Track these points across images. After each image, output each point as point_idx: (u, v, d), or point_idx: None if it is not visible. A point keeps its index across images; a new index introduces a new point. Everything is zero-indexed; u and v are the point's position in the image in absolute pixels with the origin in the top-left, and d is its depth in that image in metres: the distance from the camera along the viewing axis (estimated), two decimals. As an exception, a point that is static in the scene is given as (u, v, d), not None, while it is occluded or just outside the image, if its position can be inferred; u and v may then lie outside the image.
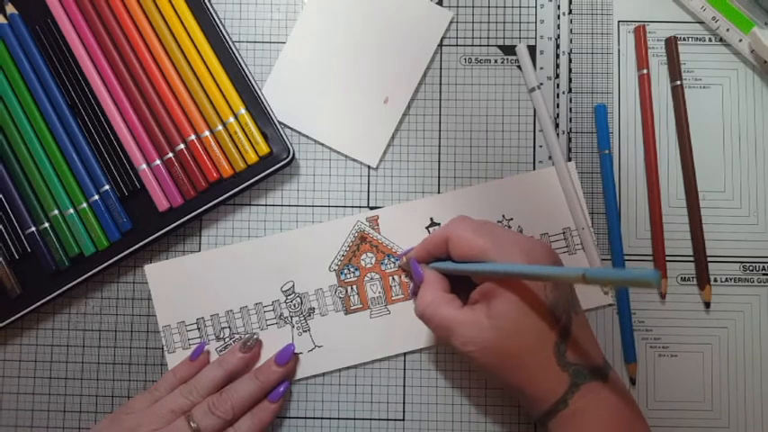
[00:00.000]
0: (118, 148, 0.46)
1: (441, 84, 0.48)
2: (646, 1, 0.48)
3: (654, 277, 0.27)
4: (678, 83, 0.47)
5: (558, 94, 0.48)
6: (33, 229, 0.46)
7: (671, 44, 0.47)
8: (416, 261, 0.43)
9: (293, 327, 0.46)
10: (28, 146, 0.46)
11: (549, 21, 0.48)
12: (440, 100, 0.48)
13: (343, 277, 0.46)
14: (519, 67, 0.48)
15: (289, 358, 0.44)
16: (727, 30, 0.47)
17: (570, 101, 0.48)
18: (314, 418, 0.46)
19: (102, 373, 0.47)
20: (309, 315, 0.46)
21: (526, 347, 0.36)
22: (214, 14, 0.46)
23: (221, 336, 0.46)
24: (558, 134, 0.47)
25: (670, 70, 0.47)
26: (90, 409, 0.47)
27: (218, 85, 0.46)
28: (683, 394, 0.45)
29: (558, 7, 0.48)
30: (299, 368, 0.46)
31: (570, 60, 0.48)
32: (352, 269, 0.47)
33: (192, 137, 0.46)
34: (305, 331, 0.46)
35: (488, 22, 0.48)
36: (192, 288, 0.47)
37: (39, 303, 0.45)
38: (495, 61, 0.48)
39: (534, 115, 0.48)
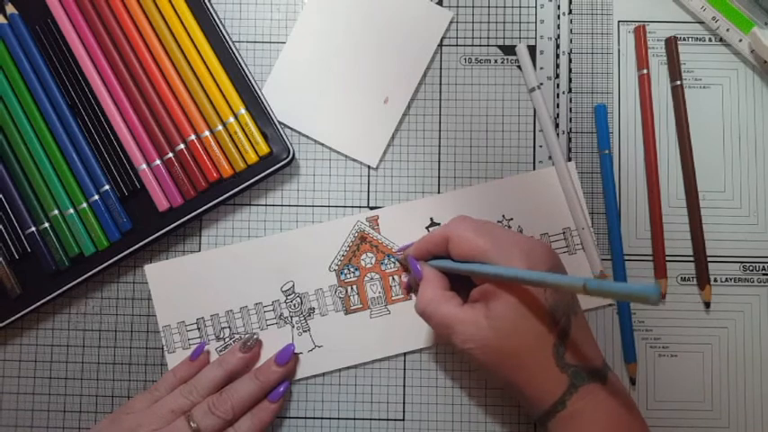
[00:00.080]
0: (118, 148, 0.46)
1: (441, 84, 0.48)
2: (646, 1, 0.48)
3: (653, 293, 0.28)
4: (678, 83, 0.47)
5: (558, 94, 0.48)
6: (33, 229, 0.46)
7: (671, 44, 0.47)
8: (414, 259, 0.43)
9: (293, 327, 0.46)
10: (28, 146, 0.46)
11: (549, 21, 0.48)
12: (440, 100, 0.48)
13: (343, 277, 0.46)
14: (519, 67, 0.48)
15: (289, 358, 0.44)
16: (727, 30, 0.47)
17: (570, 101, 0.48)
18: (314, 418, 0.46)
19: (102, 373, 0.47)
20: (309, 315, 0.46)
21: (525, 348, 0.36)
22: (214, 14, 0.46)
23: (221, 336, 0.46)
24: (558, 134, 0.47)
25: (670, 70, 0.47)
26: (90, 409, 0.47)
27: (218, 85, 0.46)
28: (683, 394, 0.45)
29: (558, 7, 0.48)
30: (299, 368, 0.46)
31: (570, 60, 0.48)
32: (352, 269, 0.47)
33: (192, 137, 0.46)
34: (305, 331, 0.46)
35: (488, 22, 0.48)
36: (192, 288, 0.47)
37: (39, 303, 0.45)
38: (495, 61, 0.48)
39: (534, 115, 0.48)
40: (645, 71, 0.47)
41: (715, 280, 0.46)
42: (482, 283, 0.38)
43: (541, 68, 0.48)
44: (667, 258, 0.46)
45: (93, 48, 0.46)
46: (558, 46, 0.48)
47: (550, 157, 0.47)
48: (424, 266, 0.42)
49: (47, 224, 0.46)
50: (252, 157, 0.45)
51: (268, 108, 0.46)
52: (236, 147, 0.46)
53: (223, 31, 0.46)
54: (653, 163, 0.46)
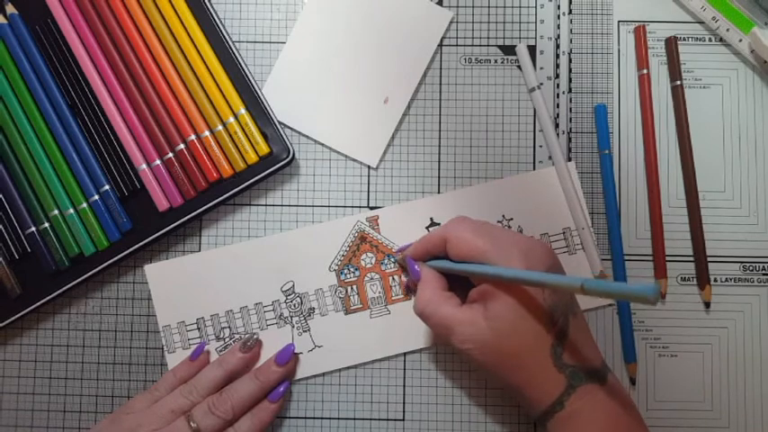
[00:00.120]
0: (118, 148, 0.46)
1: (441, 84, 0.48)
2: (646, 1, 0.48)
3: (652, 293, 0.28)
4: (678, 83, 0.47)
5: (558, 94, 0.48)
6: (33, 229, 0.46)
7: (671, 44, 0.47)
8: (413, 260, 0.43)
9: (293, 327, 0.46)
10: (28, 146, 0.46)
11: (549, 21, 0.48)
12: (440, 100, 0.48)
13: (343, 277, 0.46)
14: (519, 67, 0.48)
15: (289, 358, 0.44)
16: (727, 30, 0.47)
17: (570, 101, 0.48)
18: (314, 418, 0.46)
19: (102, 373, 0.47)
20: (309, 315, 0.46)
21: (523, 349, 0.36)
22: (214, 14, 0.46)
23: (221, 336, 0.46)
24: (558, 134, 0.47)
25: (670, 70, 0.47)
26: (90, 409, 0.47)
27: (218, 85, 0.46)
28: (683, 394, 0.45)
29: (558, 7, 0.48)
30: (299, 368, 0.46)
31: (570, 60, 0.48)
32: (352, 269, 0.47)
33: (192, 137, 0.46)
34: (305, 331, 0.46)
35: (488, 22, 0.48)
36: (192, 288, 0.47)
37: (39, 303, 0.45)
38: (495, 61, 0.48)
39: (534, 115, 0.48)
40: (645, 71, 0.47)
41: (715, 280, 0.46)
42: (480, 283, 0.38)
43: (541, 68, 0.48)
44: (667, 258, 0.46)
45: (93, 48, 0.46)
46: (558, 46, 0.48)
47: (550, 157, 0.47)
48: (422, 267, 0.42)
49: (47, 224, 0.46)
50: (252, 157, 0.45)
51: (268, 108, 0.46)
52: (236, 147, 0.46)
53: (223, 31, 0.46)
54: (653, 163, 0.46)
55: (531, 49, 0.48)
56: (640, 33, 0.47)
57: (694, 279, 0.46)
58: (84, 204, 0.46)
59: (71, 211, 0.46)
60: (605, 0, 0.48)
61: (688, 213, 0.46)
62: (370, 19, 0.48)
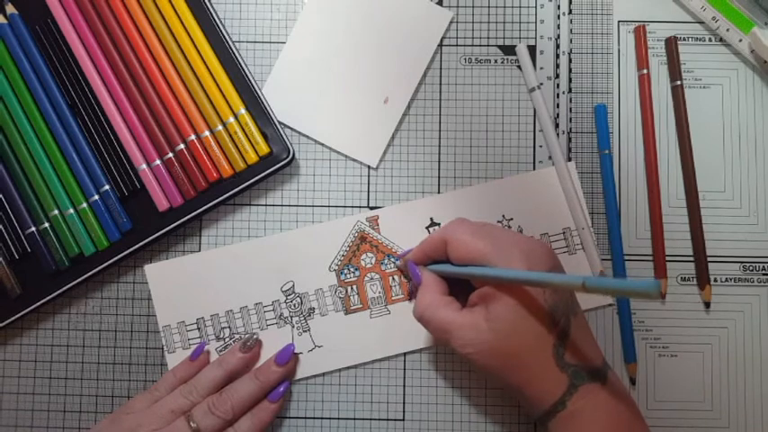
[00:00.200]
0: (118, 148, 0.46)
1: (441, 84, 0.48)
2: (646, 1, 0.48)
3: (653, 288, 0.27)
4: (678, 83, 0.47)
5: (558, 94, 0.48)
6: (33, 229, 0.46)
7: (671, 44, 0.47)
8: (414, 263, 0.43)
9: (293, 327, 0.46)
10: (28, 146, 0.46)
11: (549, 21, 0.48)
12: (440, 100, 0.48)
13: (343, 277, 0.46)
14: (519, 67, 0.48)
15: (289, 358, 0.44)
16: (727, 30, 0.47)
17: (570, 101, 0.48)
18: (314, 418, 0.46)
19: (102, 373, 0.47)
20: (309, 315, 0.46)
21: (525, 349, 0.36)
22: (214, 14, 0.46)
23: (221, 336, 0.46)
24: (558, 134, 0.47)
25: (670, 70, 0.47)
26: (90, 409, 0.47)
27: (218, 85, 0.46)
28: (683, 394, 0.45)
29: (558, 7, 0.48)
30: (299, 368, 0.46)
31: (570, 60, 0.48)
32: (352, 269, 0.47)
33: (192, 137, 0.46)
34: (305, 331, 0.46)
35: (488, 22, 0.48)
36: (192, 288, 0.47)
37: (39, 303, 0.45)
38: (495, 61, 0.48)
39: (534, 115, 0.48)
40: (645, 71, 0.47)
41: (715, 280, 0.46)
42: (481, 286, 0.38)
43: (541, 68, 0.48)
44: (667, 258, 0.46)
45: (93, 48, 0.46)
46: (558, 46, 0.48)
47: (550, 157, 0.47)
48: (422, 271, 0.42)
49: (47, 224, 0.46)
50: (252, 157, 0.45)
51: (268, 108, 0.46)
52: (236, 147, 0.46)
53: (223, 31, 0.46)
54: (653, 163, 0.46)
55: (531, 49, 0.48)
56: (640, 33, 0.47)
57: (694, 279, 0.46)
58: (84, 204, 0.46)
59: (71, 211, 0.46)
60: (605, 0, 0.48)
61: (688, 213, 0.46)
62: (370, 19, 0.48)
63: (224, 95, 0.46)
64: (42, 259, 0.45)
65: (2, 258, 0.46)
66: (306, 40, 0.48)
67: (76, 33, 0.46)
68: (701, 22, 0.48)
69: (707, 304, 0.46)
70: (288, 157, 0.45)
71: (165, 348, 0.46)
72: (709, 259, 0.46)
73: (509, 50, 0.48)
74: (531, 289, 0.37)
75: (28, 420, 0.47)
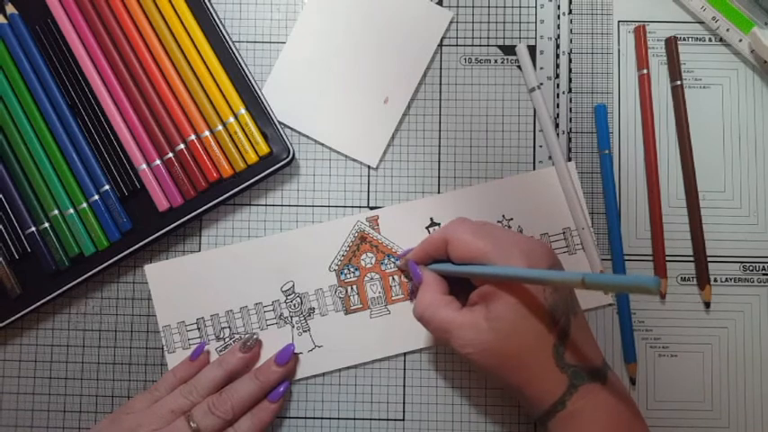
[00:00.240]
0: (118, 148, 0.46)
1: (441, 84, 0.48)
2: (646, 1, 0.48)
3: (653, 284, 0.27)
4: (678, 83, 0.47)
5: (558, 94, 0.48)
6: (33, 229, 0.46)
7: (671, 44, 0.47)
8: (415, 263, 0.43)
9: (293, 327, 0.46)
10: (28, 146, 0.46)
11: (549, 21, 0.48)
12: (440, 100, 0.48)
13: (343, 277, 0.46)
14: (519, 67, 0.48)
15: (289, 358, 0.44)
16: (727, 30, 0.47)
17: (570, 101, 0.48)
18: (314, 418, 0.46)
19: (102, 373, 0.47)
20: (309, 315, 0.46)
21: (525, 349, 0.36)
22: (214, 14, 0.46)
23: (221, 336, 0.46)
24: (558, 134, 0.47)
25: (670, 70, 0.47)
26: (90, 409, 0.47)
27: (218, 85, 0.46)
28: (683, 394, 0.45)
29: (558, 7, 0.48)
30: (299, 368, 0.46)
31: (570, 60, 0.48)
32: (352, 269, 0.47)
33: (192, 137, 0.46)
34: (305, 331, 0.46)
35: (488, 22, 0.48)
36: (192, 288, 0.47)
37: (39, 303, 0.45)
38: (495, 61, 0.48)
39: (534, 115, 0.48)
40: (645, 71, 0.47)
41: (715, 280, 0.46)
42: (482, 285, 0.38)
43: (541, 68, 0.48)
44: (667, 258, 0.46)
45: (93, 48, 0.46)
46: (558, 46, 0.48)
47: (550, 157, 0.47)
48: (423, 270, 0.42)
49: (47, 224, 0.46)
50: (252, 157, 0.45)
51: (268, 108, 0.46)
52: (236, 147, 0.46)
53: (223, 31, 0.46)
54: (653, 163, 0.46)
55: (531, 49, 0.48)
56: (640, 33, 0.47)
57: (694, 279, 0.46)
58: (84, 204, 0.46)
59: (71, 211, 0.46)
60: (605, 0, 0.48)
61: (688, 213, 0.46)
62: (370, 19, 0.48)
63: (224, 95, 0.46)
64: (42, 259, 0.45)
65: (2, 258, 0.46)
66: (306, 40, 0.48)
67: (76, 33, 0.46)
68: (701, 22, 0.48)
69: (707, 304, 0.46)
70: (288, 157, 0.45)
71: (165, 348, 0.46)
72: (709, 259, 0.46)
73: (509, 50, 0.48)
74: (532, 288, 0.37)
75: (28, 420, 0.47)
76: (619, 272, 0.46)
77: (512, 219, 0.46)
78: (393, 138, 0.48)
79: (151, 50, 0.46)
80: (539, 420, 0.38)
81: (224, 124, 0.46)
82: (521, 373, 0.37)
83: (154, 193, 0.46)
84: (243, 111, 0.46)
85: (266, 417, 0.42)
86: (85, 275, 0.45)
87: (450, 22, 0.48)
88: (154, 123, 0.46)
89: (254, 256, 0.47)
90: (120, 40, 0.46)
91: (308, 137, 0.48)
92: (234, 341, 0.46)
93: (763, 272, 0.46)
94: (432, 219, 0.47)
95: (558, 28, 0.48)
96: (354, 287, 0.46)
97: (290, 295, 0.46)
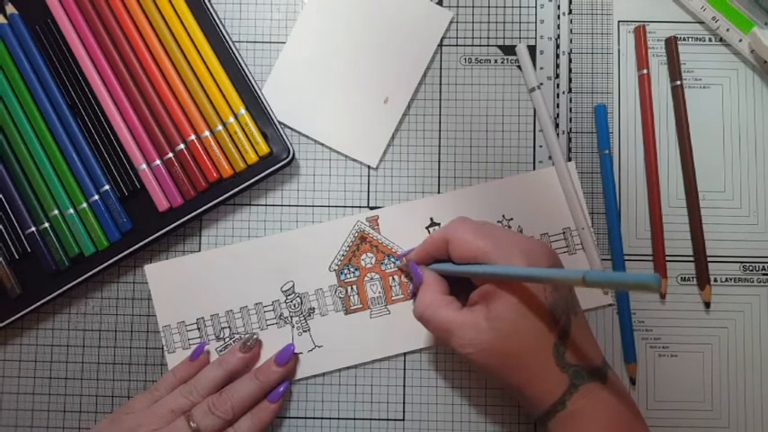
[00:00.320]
0: (118, 148, 0.46)
1: (441, 84, 0.48)
2: (646, 1, 0.48)
3: (654, 281, 0.27)
4: (678, 83, 0.47)
5: (558, 94, 0.48)
6: (33, 229, 0.46)
7: (671, 44, 0.47)
8: (416, 262, 0.43)
9: (293, 327, 0.46)
10: (28, 146, 0.46)
11: (549, 21, 0.48)
12: (440, 100, 0.48)
13: (343, 277, 0.46)
14: (519, 67, 0.48)
15: (289, 358, 0.44)
16: (727, 30, 0.47)
17: (570, 101, 0.48)
18: (314, 418, 0.46)
19: (102, 373, 0.47)
20: (309, 315, 0.46)
21: (525, 349, 0.36)
22: (214, 14, 0.46)
23: (221, 336, 0.46)
24: (558, 134, 0.47)
25: (670, 70, 0.47)
26: (90, 409, 0.47)
27: (218, 85, 0.46)
28: (683, 394, 0.45)
29: (558, 7, 0.48)
30: (299, 368, 0.46)
31: (570, 60, 0.48)
32: (352, 269, 0.47)
33: (192, 137, 0.46)
34: (305, 331, 0.46)
35: (488, 22, 0.48)
36: (192, 288, 0.47)
37: (39, 303, 0.45)
38: (495, 61, 0.48)
39: (534, 115, 0.48)
40: (645, 71, 0.47)
41: (715, 280, 0.46)
42: (482, 284, 0.38)
43: (541, 68, 0.48)
44: (667, 258, 0.46)
45: (93, 48, 0.46)
46: (558, 46, 0.48)
47: (550, 157, 0.47)
48: (423, 270, 0.42)
49: (47, 224, 0.46)
50: (252, 157, 0.45)
51: (268, 108, 0.46)
52: (236, 147, 0.46)
53: (223, 31, 0.46)
54: (653, 163, 0.46)
55: (531, 49, 0.48)
56: (640, 33, 0.47)
57: (694, 279, 0.46)
58: (84, 204, 0.46)
59: (71, 211, 0.46)
60: (605, 0, 0.48)
61: (688, 213, 0.46)
62: (370, 19, 0.48)
63: (224, 95, 0.46)
64: (42, 259, 0.45)
65: (2, 258, 0.46)
66: (306, 40, 0.48)
67: (76, 33, 0.46)
68: (701, 22, 0.48)
69: (707, 304, 0.46)
70: (288, 157, 0.45)
71: (165, 348, 0.46)
72: (709, 259, 0.46)
73: (509, 50, 0.48)
74: (532, 287, 0.37)
75: (28, 420, 0.47)
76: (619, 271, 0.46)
77: (512, 219, 0.46)
78: (393, 138, 0.48)
79: (151, 50, 0.46)
80: (539, 420, 0.38)
81: (224, 124, 0.46)
82: (521, 372, 0.37)
83: (154, 193, 0.46)
84: (243, 111, 0.46)
85: (266, 417, 0.42)
86: (85, 275, 0.45)
87: (451, 22, 0.48)
88: (154, 123, 0.46)
89: (254, 256, 0.47)
90: (120, 40, 0.46)
91: (308, 137, 0.48)
92: (234, 341, 0.46)
93: (763, 272, 0.46)
94: (432, 219, 0.47)
95: (558, 28, 0.48)
96: (354, 287, 0.46)
97: (290, 295, 0.46)
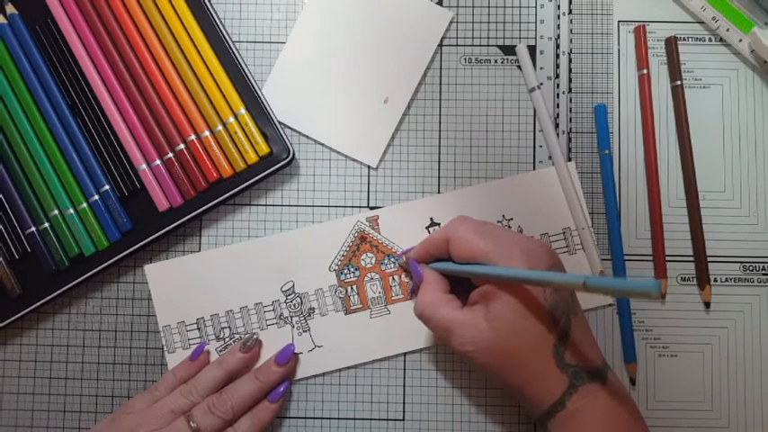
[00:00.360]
0: (118, 148, 0.46)
1: (441, 84, 0.48)
2: (646, 1, 0.48)
3: (655, 289, 0.27)
4: (678, 83, 0.47)
5: (558, 94, 0.48)
6: (33, 229, 0.46)
7: (671, 44, 0.47)
8: (416, 261, 0.43)
9: (293, 327, 0.46)
10: (28, 146, 0.46)
11: (549, 21, 0.48)
12: (440, 100, 0.48)
13: (343, 277, 0.46)
14: (519, 67, 0.48)
15: (289, 358, 0.44)
16: (727, 30, 0.47)
17: (570, 101, 0.48)
18: (314, 418, 0.46)
19: (102, 373, 0.47)
20: (309, 315, 0.46)
21: (525, 349, 0.36)
22: (214, 14, 0.46)
23: (221, 336, 0.46)
24: (558, 134, 0.47)
25: (670, 70, 0.47)
26: (90, 409, 0.47)
27: (218, 85, 0.46)
28: (683, 394, 0.45)
29: (558, 7, 0.48)
30: (299, 368, 0.46)
31: (570, 60, 0.48)
32: (352, 269, 0.47)
33: (192, 137, 0.46)
34: (305, 331, 0.46)
35: (488, 22, 0.48)
36: (192, 288, 0.47)
37: (39, 303, 0.45)
38: (495, 61, 0.48)
39: (534, 115, 0.48)
40: (645, 71, 0.47)
41: (715, 280, 0.46)
42: (482, 284, 0.38)
43: (541, 68, 0.48)
44: (667, 258, 0.46)
45: (93, 48, 0.46)
46: (558, 46, 0.48)
47: (550, 157, 0.47)
48: (424, 269, 0.42)
49: (47, 224, 0.46)
50: (252, 157, 0.45)
51: (268, 108, 0.46)
52: (236, 147, 0.46)
53: (223, 31, 0.46)
54: (653, 163, 0.46)
55: (531, 49, 0.48)
56: (640, 33, 0.47)
57: (694, 279, 0.46)
58: (84, 204, 0.46)
59: (71, 211, 0.46)
60: (605, 0, 0.48)
61: (688, 213, 0.46)
62: (370, 19, 0.48)
63: (224, 95, 0.46)
64: (42, 259, 0.45)
65: (2, 258, 0.46)
66: (306, 40, 0.48)
67: (76, 33, 0.46)
68: (701, 22, 0.48)
69: (707, 304, 0.46)
70: (288, 157, 0.45)
71: (165, 348, 0.46)
72: (709, 259, 0.46)
73: (509, 50, 0.48)
74: (532, 288, 0.37)
75: (28, 420, 0.47)
76: (619, 272, 0.46)
77: (512, 219, 0.46)
78: (393, 138, 0.48)
79: (151, 50, 0.46)
80: (538, 420, 0.38)
81: (224, 124, 0.46)
82: (520, 372, 0.37)
83: (154, 193, 0.46)
84: (243, 111, 0.46)
85: (266, 417, 0.42)
86: (85, 275, 0.45)
87: (451, 22, 0.48)
88: (154, 123, 0.46)
89: (254, 256, 0.47)
90: (120, 40, 0.46)
91: (308, 137, 0.48)
92: (234, 341, 0.46)
93: (763, 272, 0.46)
94: (432, 219, 0.47)
95: (558, 28, 0.48)
96: (354, 287, 0.46)
97: (290, 295, 0.46)
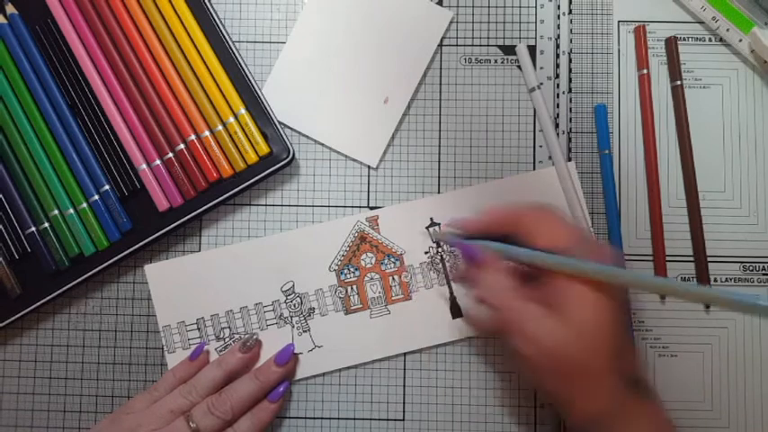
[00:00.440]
0: (118, 148, 0.46)
1: (441, 84, 0.48)
2: (646, 1, 0.48)
3: None
4: (678, 83, 0.47)
5: (558, 94, 0.48)
6: (33, 229, 0.46)
7: (671, 44, 0.47)
8: (464, 237, 0.38)
9: (293, 327, 0.46)
10: (28, 146, 0.46)
11: (549, 21, 0.48)
12: (440, 100, 0.48)
13: (343, 277, 0.46)
14: (519, 67, 0.48)
15: (288, 358, 0.44)
16: (727, 30, 0.47)
17: (570, 101, 0.48)
18: (314, 418, 0.46)
19: (102, 373, 0.47)
20: (309, 315, 0.46)
21: (594, 358, 0.34)
22: (214, 14, 0.46)
23: (221, 336, 0.46)
24: (558, 134, 0.47)
25: (670, 70, 0.47)
26: (90, 409, 0.47)
27: (218, 85, 0.46)
28: (683, 394, 0.45)
29: (558, 7, 0.48)
30: (299, 368, 0.46)
31: (570, 60, 0.48)
32: (352, 269, 0.47)
33: (192, 137, 0.46)
34: (305, 331, 0.46)
35: (488, 22, 0.48)
36: (192, 288, 0.47)
37: (39, 303, 0.45)
38: (495, 61, 0.48)
39: (534, 115, 0.48)
40: (645, 71, 0.47)
41: (715, 280, 0.46)
42: (555, 279, 0.34)
43: (541, 68, 0.48)
44: (667, 258, 0.46)
45: (93, 48, 0.46)
46: (558, 46, 0.48)
47: (550, 157, 0.47)
48: (485, 250, 0.37)
49: (47, 224, 0.46)
50: (252, 157, 0.45)
51: (268, 108, 0.46)
52: (236, 147, 0.46)
53: (223, 31, 0.46)
54: (653, 163, 0.46)
55: (531, 49, 0.48)
56: (640, 33, 0.47)
57: (694, 279, 0.46)
58: (84, 204, 0.46)
59: (71, 211, 0.46)
60: (605, 0, 0.48)
61: (688, 213, 0.46)
62: (370, 19, 0.48)
63: (224, 95, 0.46)
64: (42, 259, 0.45)
65: (2, 258, 0.46)
66: (306, 40, 0.48)
67: (76, 33, 0.46)
68: (701, 22, 0.48)
69: (707, 304, 0.46)
70: (288, 157, 0.45)
71: (165, 348, 0.46)
72: (709, 259, 0.46)
73: (509, 50, 0.48)
74: (614, 292, 0.33)
75: (28, 420, 0.47)
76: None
77: (512, 219, 0.46)
78: (393, 138, 0.48)
79: (151, 50, 0.46)
80: (579, 428, 0.36)
81: (224, 124, 0.46)
82: (576, 381, 0.34)
83: (154, 193, 0.46)
84: (243, 111, 0.46)
85: (266, 417, 0.42)
86: (85, 275, 0.45)
87: (451, 22, 0.48)
88: (154, 123, 0.46)
89: (254, 256, 0.47)
90: (120, 40, 0.46)
91: (308, 137, 0.48)
92: (234, 341, 0.46)
93: (763, 272, 0.46)
94: (432, 219, 0.47)
95: (558, 28, 0.48)
96: (354, 287, 0.46)
97: (290, 295, 0.46)
